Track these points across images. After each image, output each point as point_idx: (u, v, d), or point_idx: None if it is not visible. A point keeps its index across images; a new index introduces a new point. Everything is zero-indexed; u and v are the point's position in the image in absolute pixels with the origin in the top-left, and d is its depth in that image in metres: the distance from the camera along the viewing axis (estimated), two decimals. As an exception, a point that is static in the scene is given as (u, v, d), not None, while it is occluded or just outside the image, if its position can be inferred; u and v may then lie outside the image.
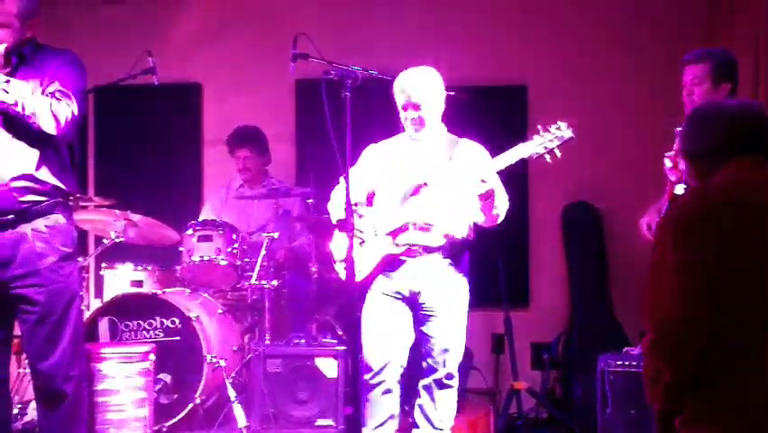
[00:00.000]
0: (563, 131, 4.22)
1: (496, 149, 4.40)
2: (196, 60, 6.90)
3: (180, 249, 5.65)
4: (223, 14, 6.93)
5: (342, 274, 4.61)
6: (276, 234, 5.51)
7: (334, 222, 4.66)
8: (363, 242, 4.51)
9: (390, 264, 4.48)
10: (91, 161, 6.95)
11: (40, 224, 3.85)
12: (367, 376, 4.45)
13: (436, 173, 4.45)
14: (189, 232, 5.61)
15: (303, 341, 5.20)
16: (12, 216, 3.81)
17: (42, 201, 3.86)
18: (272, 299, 5.43)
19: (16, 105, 3.71)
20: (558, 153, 4.23)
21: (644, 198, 4.84)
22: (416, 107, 4.47)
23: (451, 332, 4.46)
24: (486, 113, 6.40)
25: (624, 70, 6.52)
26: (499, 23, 6.71)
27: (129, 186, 6.62)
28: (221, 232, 5.59)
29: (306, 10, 6.67)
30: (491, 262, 6.28)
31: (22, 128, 3.78)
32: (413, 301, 4.47)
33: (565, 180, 6.43)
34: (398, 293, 4.47)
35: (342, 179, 4.68)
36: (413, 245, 4.44)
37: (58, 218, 3.92)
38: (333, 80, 4.20)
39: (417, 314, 4.48)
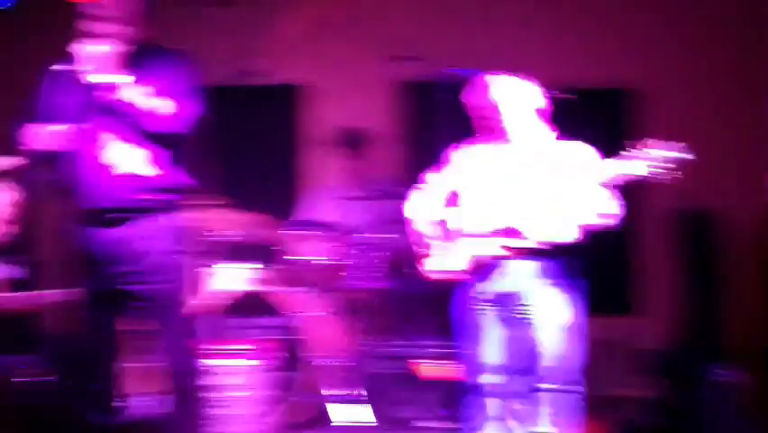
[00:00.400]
0: (676, 152, 4.11)
1: (604, 153, 4.32)
2: (297, 62, 6.94)
3: (283, 248, 5.70)
4: (328, 16, 6.95)
5: (430, 273, 4.61)
6: (379, 236, 5.52)
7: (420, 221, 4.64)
8: (454, 245, 4.49)
9: (486, 267, 4.45)
10: (197, 160, 7.03)
11: (152, 221, 3.94)
12: (471, 379, 4.42)
13: (536, 174, 4.41)
14: (293, 231, 5.67)
15: (406, 343, 5.19)
16: (126, 213, 3.90)
17: (156, 200, 3.95)
18: (376, 300, 5.44)
19: (133, 103, 3.79)
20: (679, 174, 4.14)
21: (759, 202, 4.71)
22: (496, 116, 4.39)
23: (556, 337, 4.40)
24: (595, 116, 6.32)
25: (738, 72, 6.34)
26: (610, 24, 6.60)
27: (230, 184, 6.64)
28: (325, 232, 5.63)
29: (414, 13, 6.67)
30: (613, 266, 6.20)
31: (137, 126, 3.86)
32: (513, 304, 4.43)
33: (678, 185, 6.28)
34: (495, 295, 4.44)
35: (429, 180, 4.68)
36: (505, 246, 4.40)
37: (169, 216, 4.01)
38: (442, 83, 4.18)
39: (520, 318, 4.44)
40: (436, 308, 5.68)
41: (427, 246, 4.63)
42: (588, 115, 6.08)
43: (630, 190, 4.19)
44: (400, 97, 6.80)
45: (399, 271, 5.87)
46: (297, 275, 5.70)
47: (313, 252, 5.58)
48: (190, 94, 3.98)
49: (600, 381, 6.26)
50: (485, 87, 4.40)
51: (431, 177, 4.01)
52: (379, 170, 6.48)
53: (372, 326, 5.34)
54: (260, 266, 5.80)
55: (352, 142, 6.25)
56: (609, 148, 4.22)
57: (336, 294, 5.78)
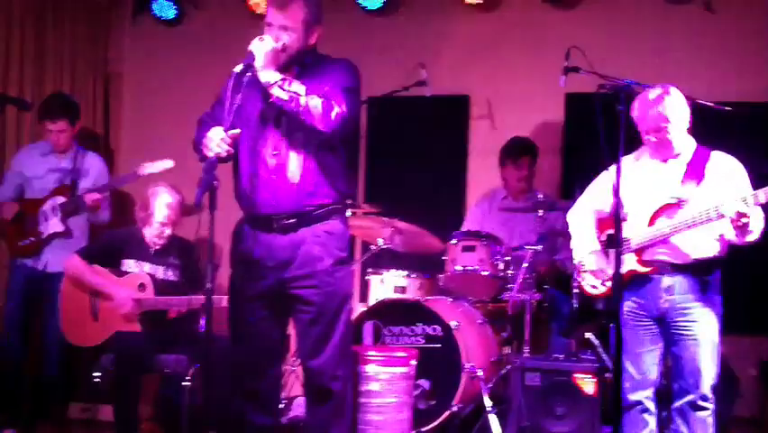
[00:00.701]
0: None
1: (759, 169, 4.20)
2: (466, 73, 7.00)
3: (443, 258, 5.74)
4: (494, 27, 6.98)
5: (587, 286, 4.58)
6: (539, 248, 5.50)
7: (579, 251, 4.67)
8: (609, 261, 4.43)
9: (636, 281, 4.38)
10: (362, 169, 7.17)
11: (318, 228, 4.00)
12: (628, 395, 4.37)
13: (691, 189, 4.33)
14: (454, 241, 5.70)
15: (562, 356, 5.16)
16: (294, 219, 3.97)
17: (322, 206, 4.01)
18: (533, 313, 5.43)
19: (291, 101, 3.83)
20: None
21: None
22: (660, 130, 4.37)
23: (702, 352, 4.32)
24: (753, 130, 6.13)
25: None
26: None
27: (396, 194, 6.77)
28: (484, 243, 5.64)
29: (576, 27, 6.63)
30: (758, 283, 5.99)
31: (301, 131, 3.92)
32: (662, 320, 4.37)
33: None
34: (647, 311, 4.40)
35: (591, 189, 4.66)
36: (660, 262, 4.33)
37: (335, 223, 4.05)
38: (607, 95, 4.13)
39: (667, 333, 4.37)
40: (594, 322, 5.63)
41: (587, 261, 4.61)
42: (746, 129, 5.95)
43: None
44: (568, 109, 6.76)
45: (560, 284, 5.84)
46: (457, 285, 5.73)
47: (475, 262, 5.58)
48: (348, 96, 3.96)
49: (758, 402, 6.09)
50: (657, 100, 4.37)
51: (616, 190, 3.98)
52: (544, 181, 6.47)
53: (530, 337, 5.31)
54: (422, 275, 5.86)
55: (521, 153, 6.25)
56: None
57: (494, 304, 5.79)
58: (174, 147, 6.28)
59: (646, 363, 4.40)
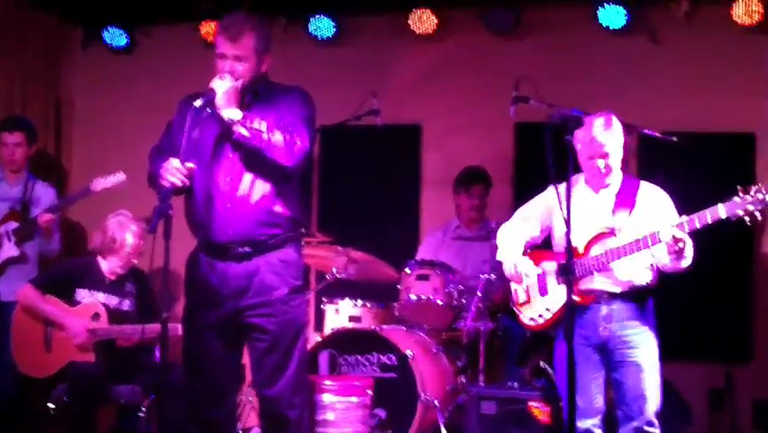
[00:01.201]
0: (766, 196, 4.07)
1: (716, 198, 4.26)
2: (417, 102, 7.06)
3: (398, 287, 5.77)
4: (444, 57, 7.06)
5: (525, 319, 4.63)
6: (492, 276, 5.55)
7: (507, 258, 4.65)
8: (545, 290, 4.51)
9: (577, 312, 4.41)
10: (315, 197, 7.18)
11: (273, 257, 4.00)
12: (573, 422, 4.38)
13: (623, 218, 4.41)
14: (408, 271, 5.73)
15: (517, 385, 5.20)
16: (249, 248, 3.97)
17: (277, 235, 4.01)
18: (487, 341, 5.47)
19: (253, 138, 3.86)
20: (759, 217, 4.08)
21: None
22: (605, 156, 4.44)
23: (645, 377, 4.37)
24: (708, 161, 6.27)
25: None
26: (723, 68, 6.53)
27: (349, 223, 6.80)
28: (438, 272, 5.68)
29: (525, 57, 6.73)
30: (709, 310, 6.08)
31: (259, 163, 3.94)
32: (604, 348, 4.43)
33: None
34: (588, 340, 4.43)
35: (516, 216, 4.74)
36: (596, 291, 4.39)
37: (289, 251, 4.06)
38: (556, 124, 4.20)
39: (609, 360, 4.43)
40: (547, 350, 5.68)
41: (523, 291, 4.64)
42: (696, 159, 6.07)
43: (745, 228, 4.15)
44: (518, 138, 6.86)
45: (512, 313, 5.88)
46: (412, 313, 5.75)
47: (429, 291, 5.62)
48: (307, 129, 4.01)
49: (709, 431, 6.16)
50: (607, 126, 4.43)
51: (567, 219, 4.02)
52: (497, 210, 6.52)
53: (484, 366, 5.35)
54: (377, 304, 5.88)
55: (473, 181, 6.31)
56: (719, 191, 4.20)
57: (449, 333, 5.82)
58: (126, 173, 6.28)
59: (591, 391, 4.43)
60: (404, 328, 5.62)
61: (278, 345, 4.00)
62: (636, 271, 4.42)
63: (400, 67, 7.11)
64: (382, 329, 5.47)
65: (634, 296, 4.43)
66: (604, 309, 4.42)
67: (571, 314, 4.02)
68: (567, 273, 4.00)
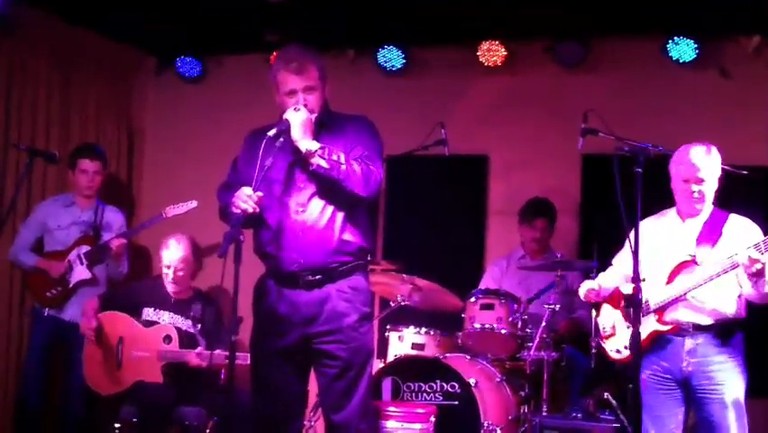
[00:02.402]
0: None
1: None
2: (485, 133, 7.09)
3: (462, 315, 5.78)
4: (511, 88, 7.09)
5: (611, 351, 4.60)
6: (557, 307, 5.55)
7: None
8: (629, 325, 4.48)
9: (659, 343, 4.41)
10: (381, 226, 7.23)
11: (343, 284, 4.06)
12: None
13: (706, 250, 4.37)
14: (472, 300, 5.75)
15: (580, 415, 5.17)
16: (319, 276, 4.03)
17: (347, 263, 4.07)
18: (551, 372, 5.45)
19: (332, 169, 3.93)
20: None
21: None
22: (700, 182, 4.42)
23: (730, 415, 4.31)
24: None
25: None
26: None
27: (414, 251, 6.83)
28: (503, 301, 5.68)
29: (592, 90, 6.73)
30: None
31: (330, 192, 4.01)
32: (686, 383, 4.37)
33: None
34: (671, 375, 4.40)
35: (621, 255, 4.68)
36: (682, 323, 4.36)
37: (359, 279, 4.12)
38: (625, 156, 4.21)
39: (692, 396, 4.37)
40: (611, 382, 5.64)
41: (606, 317, 4.65)
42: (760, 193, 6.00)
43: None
44: (585, 170, 6.85)
45: (578, 343, 5.88)
46: (476, 342, 5.76)
47: (493, 320, 5.62)
48: (380, 159, 4.10)
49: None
50: (706, 152, 4.44)
51: (635, 251, 4.03)
52: (561, 241, 6.53)
53: (548, 396, 5.33)
54: (440, 332, 5.90)
55: (536, 214, 6.32)
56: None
57: (512, 363, 5.81)
58: (196, 199, 6.40)
59: (668, 427, 4.40)
60: (467, 357, 5.63)
61: (347, 372, 4.05)
62: (723, 301, 4.36)
63: (468, 98, 7.15)
64: (446, 357, 5.49)
65: (721, 330, 4.36)
66: (689, 343, 4.37)
67: (636, 345, 4.03)
68: (634, 305, 4.01)
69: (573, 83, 6.88)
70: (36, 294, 6.22)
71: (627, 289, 4.58)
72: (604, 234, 6.03)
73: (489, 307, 5.68)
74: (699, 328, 4.37)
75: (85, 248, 6.18)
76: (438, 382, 5.34)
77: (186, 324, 5.77)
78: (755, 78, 6.58)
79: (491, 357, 5.76)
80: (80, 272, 6.14)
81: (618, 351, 4.59)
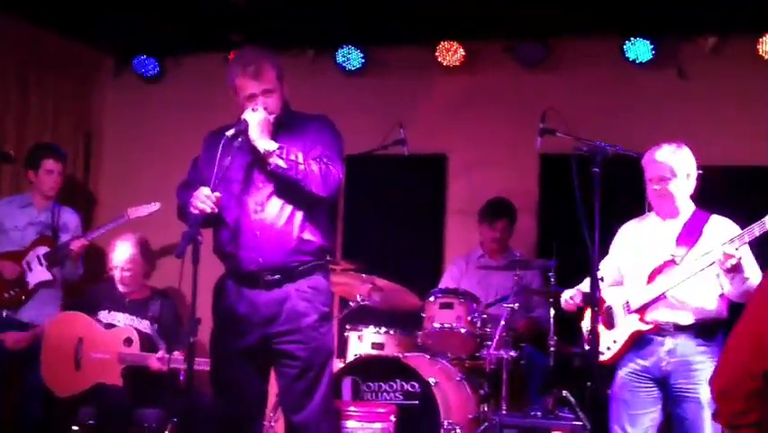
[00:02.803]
0: None
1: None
2: (444, 133, 7.11)
3: (422, 315, 5.79)
4: (470, 88, 7.11)
5: (585, 334, 4.65)
6: (516, 306, 5.58)
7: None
8: (613, 324, 4.50)
9: (639, 342, 4.44)
10: (340, 225, 7.22)
11: (303, 284, 4.05)
12: None
13: (685, 250, 4.40)
14: (431, 299, 5.76)
15: (540, 414, 5.20)
16: (278, 276, 4.02)
17: (307, 262, 4.06)
18: (510, 370, 5.48)
19: (290, 169, 3.92)
20: None
21: None
22: (661, 180, 4.45)
23: (702, 415, 4.31)
24: (735, 194, 6.25)
25: None
26: (749, 103, 6.54)
27: (374, 251, 6.85)
28: (462, 300, 5.70)
29: (551, 89, 6.76)
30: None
31: (288, 191, 4.00)
32: (664, 382, 4.40)
33: None
34: (648, 372, 4.42)
35: (605, 261, 4.71)
36: (662, 323, 4.39)
37: (318, 278, 4.11)
38: (583, 156, 4.24)
39: (670, 395, 4.40)
40: (570, 382, 5.68)
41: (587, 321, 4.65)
42: (721, 193, 6.04)
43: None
44: (543, 169, 6.88)
45: (536, 342, 5.91)
46: (435, 342, 5.77)
47: (453, 320, 5.64)
48: (339, 159, 4.10)
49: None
50: (667, 151, 4.45)
51: (594, 251, 4.06)
52: (520, 240, 6.55)
53: (507, 395, 5.36)
54: (400, 332, 5.90)
55: (497, 215, 6.34)
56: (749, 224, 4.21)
57: (472, 361, 5.83)
58: (154, 199, 6.37)
59: (644, 424, 4.41)
60: (427, 356, 5.64)
61: (307, 372, 4.04)
62: (703, 300, 4.37)
63: (427, 98, 7.17)
64: (405, 357, 5.49)
65: (701, 329, 4.37)
66: (668, 343, 4.38)
67: (594, 342, 4.05)
68: (593, 305, 4.04)
69: (533, 82, 6.92)
70: None
71: (609, 294, 4.61)
72: (563, 232, 6.09)
73: (449, 306, 5.69)
74: (679, 328, 4.38)
75: (43, 249, 6.11)
76: (398, 381, 5.34)
77: (142, 324, 5.74)
78: (713, 77, 6.64)
79: (451, 356, 5.78)
80: (40, 274, 6.07)
81: (601, 352, 4.56)
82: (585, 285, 4.72)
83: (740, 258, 4.14)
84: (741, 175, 6.41)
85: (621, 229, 4.72)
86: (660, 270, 4.42)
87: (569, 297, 4.76)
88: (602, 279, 4.41)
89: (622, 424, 4.41)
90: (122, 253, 5.87)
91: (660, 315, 4.40)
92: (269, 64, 4.07)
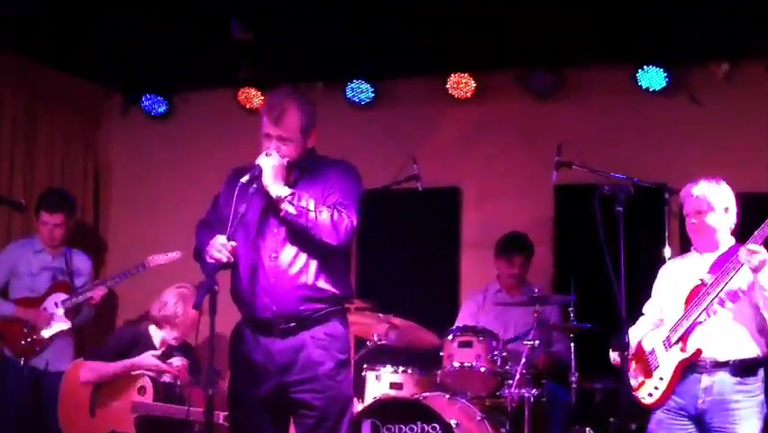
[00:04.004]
0: None
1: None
2: (456, 165, 7.05)
3: (440, 354, 5.70)
4: (482, 120, 7.05)
5: (644, 398, 4.45)
6: (536, 343, 5.49)
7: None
8: (655, 363, 4.41)
9: (687, 381, 4.31)
10: (353, 263, 7.14)
11: (319, 331, 3.97)
12: None
13: (713, 276, 4.28)
14: (450, 337, 5.67)
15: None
16: (293, 323, 3.94)
17: (322, 309, 3.98)
18: (532, 408, 5.38)
19: (300, 216, 3.85)
20: None
21: None
22: (698, 214, 4.38)
23: None
24: (750, 220, 6.14)
25: None
26: (764, 128, 6.46)
27: (388, 287, 6.76)
28: (481, 338, 5.61)
29: (564, 119, 6.72)
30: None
31: (303, 238, 3.92)
32: (700, 420, 4.28)
33: None
34: (684, 409, 4.31)
35: (649, 303, 4.61)
36: (700, 358, 4.26)
37: (335, 325, 4.03)
38: (605, 194, 4.16)
39: (704, 431, 4.28)
40: (593, 418, 5.59)
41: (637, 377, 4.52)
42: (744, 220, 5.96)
43: None
44: (558, 201, 6.80)
45: (557, 378, 5.82)
46: (455, 381, 5.68)
47: (472, 358, 5.55)
48: (356, 207, 4.02)
49: None
50: (704, 185, 4.38)
51: (621, 288, 3.99)
52: (536, 272, 6.46)
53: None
54: (418, 371, 5.81)
55: (514, 251, 6.26)
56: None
57: (492, 400, 5.73)
58: (164, 239, 6.33)
59: None
60: (446, 396, 5.54)
61: (325, 421, 3.94)
62: (743, 339, 4.26)
63: (439, 130, 7.12)
64: (425, 397, 5.41)
65: (740, 367, 4.25)
66: (705, 380, 4.27)
67: (625, 378, 3.94)
68: (621, 348, 3.94)
69: (545, 112, 6.87)
70: (10, 343, 6.08)
71: (649, 339, 4.49)
72: (579, 265, 6.02)
73: (468, 344, 5.60)
74: (716, 365, 4.26)
75: (61, 296, 6.08)
76: (419, 423, 5.25)
77: (167, 376, 5.63)
78: (726, 104, 6.57)
79: (471, 395, 5.67)
80: (59, 322, 6.05)
81: (650, 394, 4.41)
82: (635, 332, 4.58)
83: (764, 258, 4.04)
84: (761, 203, 6.30)
85: (663, 268, 4.62)
86: (692, 296, 4.31)
87: (613, 359, 4.62)
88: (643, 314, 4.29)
89: None
90: (180, 306, 5.71)
91: (698, 343, 4.27)
92: (296, 113, 3.98)
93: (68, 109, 7.31)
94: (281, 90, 4.12)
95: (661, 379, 4.36)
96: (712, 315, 4.26)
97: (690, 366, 4.29)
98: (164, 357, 5.64)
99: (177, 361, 5.62)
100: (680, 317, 4.35)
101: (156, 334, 5.71)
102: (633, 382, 4.49)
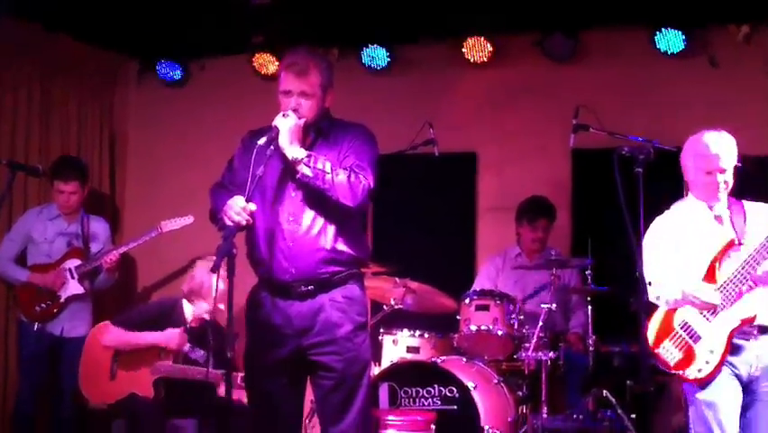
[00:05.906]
0: None
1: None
2: (473, 130, 7.01)
3: (457, 317, 5.71)
4: (499, 85, 7.01)
5: (694, 375, 4.16)
6: (554, 306, 5.48)
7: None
8: (696, 336, 4.19)
9: (732, 350, 4.14)
10: (369, 227, 7.13)
11: (337, 294, 3.97)
12: None
13: (742, 232, 4.17)
14: (467, 301, 5.68)
15: (581, 417, 5.11)
16: (312, 286, 3.94)
17: (340, 272, 3.98)
18: (549, 371, 5.39)
19: (317, 178, 3.85)
20: None
21: None
22: (723, 171, 4.22)
23: None
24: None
25: None
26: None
27: (404, 252, 6.73)
28: (498, 302, 5.61)
29: (581, 82, 6.66)
30: None
31: (321, 201, 3.92)
32: (747, 387, 4.15)
33: None
34: (739, 379, 4.15)
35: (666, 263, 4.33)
36: (749, 322, 4.10)
37: (353, 288, 4.03)
38: (624, 155, 4.13)
39: (747, 397, 4.16)
40: (610, 381, 5.59)
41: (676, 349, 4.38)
42: (754, 182, 5.91)
43: None
44: (576, 165, 6.75)
45: (570, 342, 5.82)
46: (472, 344, 5.69)
47: (489, 322, 5.55)
48: (372, 169, 4.00)
49: None
50: (726, 140, 4.26)
51: (639, 250, 3.91)
52: (555, 237, 6.44)
53: (547, 396, 5.27)
54: (435, 334, 5.82)
55: (538, 214, 6.24)
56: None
57: (509, 363, 5.74)
58: (179, 205, 6.34)
59: (731, 430, 4.11)
60: (463, 359, 5.56)
61: (343, 383, 3.95)
62: None
63: (455, 95, 7.08)
64: (442, 361, 5.42)
65: None
66: (755, 347, 4.12)
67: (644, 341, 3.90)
68: (643, 310, 3.90)
69: (562, 76, 6.80)
70: (24, 309, 6.13)
71: (678, 316, 4.23)
72: (597, 228, 6.00)
73: (485, 308, 5.61)
74: (763, 330, 4.14)
75: (75, 261, 6.11)
76: (436, 386, 5.29)
77: (194, 352, 5.63)
78: (745, 66, 6.50)
79: (488, 359, 5.69)
80: (73, 287, 6.07)
81: (701, 369, 4.15)
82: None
83: None
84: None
85: (661, 225, 4.35)
86: (723, 253, 4.15)
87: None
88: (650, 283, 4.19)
89: (711, 428, 4.11)
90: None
91: (751, 311, 4.11)
92: (317, 69, 3.98)
93: (83, 76, 7.29)
94: (301, 48, 4.10)
95: (711, 352, 4.12)
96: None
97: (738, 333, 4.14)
98: (194, 334, 5.65)
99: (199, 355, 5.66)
100: (722, 283, 4.14)
101: (188, 308, 5.73)
102: (669, 360, 4.21)
